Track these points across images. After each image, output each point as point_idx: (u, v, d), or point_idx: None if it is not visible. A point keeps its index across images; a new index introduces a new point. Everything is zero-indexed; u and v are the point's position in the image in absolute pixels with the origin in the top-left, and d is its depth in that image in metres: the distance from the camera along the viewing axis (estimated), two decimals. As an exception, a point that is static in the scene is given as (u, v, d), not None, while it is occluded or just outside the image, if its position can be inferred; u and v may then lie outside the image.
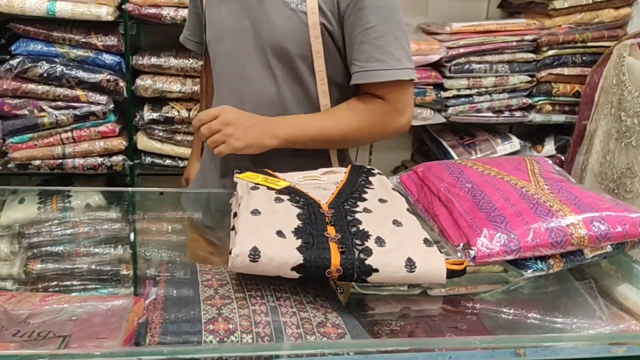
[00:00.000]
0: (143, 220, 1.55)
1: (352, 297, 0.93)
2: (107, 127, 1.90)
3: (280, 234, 0.83)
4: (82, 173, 1.89)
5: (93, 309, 0.88)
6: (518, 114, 2.22)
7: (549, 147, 2.32)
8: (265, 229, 0.84)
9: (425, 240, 0.86)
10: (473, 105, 2.13)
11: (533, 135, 2.39)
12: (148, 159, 2.00)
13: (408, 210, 0.97)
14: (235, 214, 0.93)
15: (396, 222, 0.91)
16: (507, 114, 2.20)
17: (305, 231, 0.85)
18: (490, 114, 2.18)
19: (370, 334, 0.86)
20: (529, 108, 2.24)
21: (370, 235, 0.86)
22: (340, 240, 0.84)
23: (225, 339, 0.71)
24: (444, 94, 2.12)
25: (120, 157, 1.91)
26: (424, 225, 0.96)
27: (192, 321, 0.73)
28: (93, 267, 1.78)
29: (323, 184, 1.07)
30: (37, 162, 1.83)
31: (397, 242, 0.85)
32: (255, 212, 0.88)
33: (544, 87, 2.21)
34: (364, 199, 0.99)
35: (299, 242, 0.82)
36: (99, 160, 1.90)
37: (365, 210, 0.95)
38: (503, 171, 1.09)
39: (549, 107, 2.24)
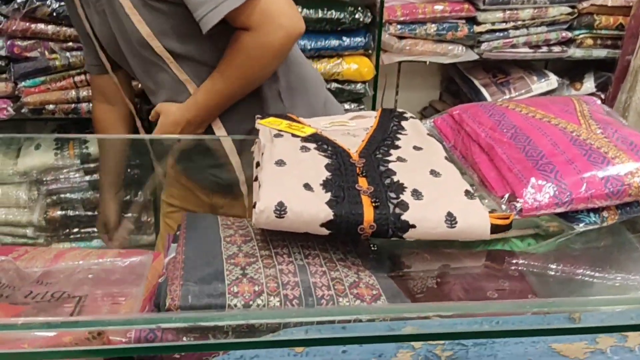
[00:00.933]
0: (163, 166, 1.51)
1: (385, 252, 0.87)
2: (122, 69, 1.83)
3: (307, 187, 0.77)
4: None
5: (110, 265, 0.84)
6: (557, 49, 2.08)
7: (589, 84, 2.19)
8: (291, 181, 0.77)
9: (467, 192, 0.79)
10: (508, 40, 2.00)
11: (570, 71, 2.26)
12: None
13: (446, 158, 0.89)
14: (258, 164, 0.87)
15: (434, 172, 0.84)
16: (544, 49, 2.07)
17: (334, 183, 0.78)
18: (527, 50, 2.05)
19: (405, 293, 0.81)
20: (568, 42, 2.10)
21: (406, 187, 0.79)
22: (373, 193, 0.77)
23: (251, 302, 0.66)
24: (477, 29, 1.99)
25: (136, 99, 1.84)
26: (463, 174, 0.89)
27: (215, 282, 0.68)
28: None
29: (352, 130, 1.00)
30: (51, 107, 1.78)
31: (436, 194, 0.79)
32: (280, 163, 0.81)
33: (585, 20, 2.07)
34: (397, 147, 0.92)
35: (328, 195, 0.76)
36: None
37: (399, 159, 0.87)
38: (550, 113, 1.00)
39: (590, 41, 2.10)
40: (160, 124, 1.20)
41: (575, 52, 2.11)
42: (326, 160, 0.84)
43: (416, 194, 0.78)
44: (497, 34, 1.99)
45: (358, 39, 1.96)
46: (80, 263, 0.83)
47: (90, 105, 1.83)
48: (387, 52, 2.07)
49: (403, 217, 0.74)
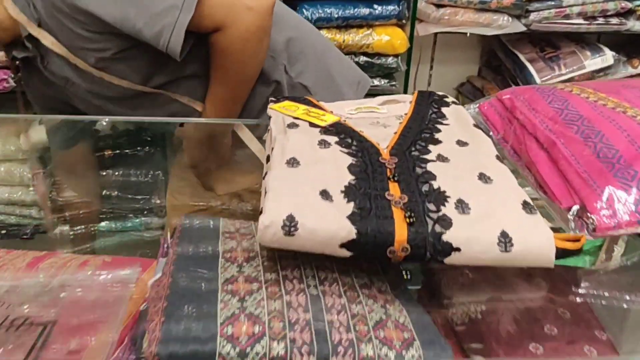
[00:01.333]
0: (174, 146, 1.39)
1: (418, 273, 0.73)
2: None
3: (325, 194, 0.62)
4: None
5: (89, 281, 0.71)
6: (614, 20, 1.87)
7: (648, 61, 1.98)
8: (305, 187, 0.63)
9: (525, 204, 0.64)
10: (560, 10, 1.80)
11: (626, 47, 2.04)
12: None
13: (497, 157, 0.74)
14: (268, 159, 0.72)
15: (483, 177, 0.68)
16: (600, 20, 1.86)
17: (359, 190, 0.64)
18: (581, 21, 1.85)
19: (443, 327, 0.67)
20: (627, 14, 1.89)
21: (449, 196, 0.64)
22: (407, 204, 0.62)
23: (248, 349, 0.52)
24: (525, -4, 1.79)
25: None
26: (516, 176, 0.73)
27: (205, 320, 0.55)
28: (123, 195, 1.64)
29: (382, 118, 0.84)
30: (55, 80, 1.66)
31: (486, 206, 0.63)
32: (293, 162, 0.67)
33: (648, -13, 1.85)
34: (438, 141, 0.76)
35: (350, 206, 0.61)
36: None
37: (440, 157, 0.72)
38: (624, 101, 0.83)
39: (653, 12, 1.88)
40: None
41: (635, 25, 1.90)
42: (349, 160, 0.69)
43: (461, 206, 0.63)
44: (548, 2, 1.79)
45: (391, 7, 1.78)
46: (54, 280, 0.70)
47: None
48: (423, 22, 1.88)
49: (445, 238, 0.59)
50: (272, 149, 0.73)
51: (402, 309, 0.61)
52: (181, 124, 1.20)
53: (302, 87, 1.12)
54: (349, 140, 0.73)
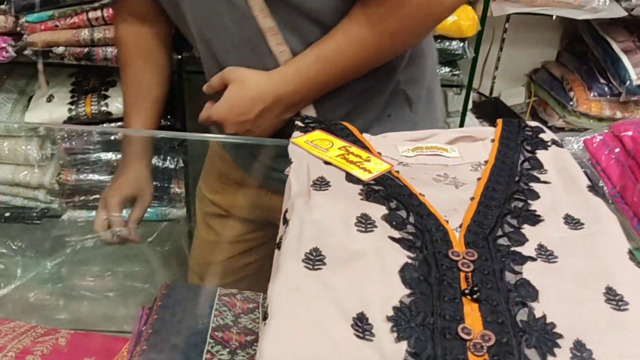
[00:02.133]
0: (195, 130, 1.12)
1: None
2: (149, 6, 1.46)
3: (360, 324, 0.39)
4: (116, 66, 1.49)
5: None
6: None
7: None
8: (329, 310, 0.40)
9: None
10: (673, -8, 1.48)
11: None
12: (202, 51, 1.54)
13: (631, 255, 0.48)
14: (285, 220, 0.48)
15: (613, 297, 0.43)
16: None
17: (416, 318, 0.40)
18: (698, 8, 1.53)
19: None
20: None
21: (561, 335, 0.40)
22: (495, 351, 0.39)
23: None
24: (628, -26, 1.48)
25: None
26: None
27: None
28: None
29: (452, 167, 0.59)
30: (60, 50, 1.45)
31: (620, 355, 0.39)
32: (314, 260, 0.43)
33: None
34: (536, 218, 0.51)
35: (401, 350, 0.38)
36: (138, 50, 1.48)
37: (543, 252, 0.47)
38: None
39: None
40: (230, 97, 0.77)
41: None
42: (403, 256, 0.45)
43: (581, 356, 0.39)
44: (659, -18, 1.48)
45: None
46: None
47: (109, 50, 1.49)
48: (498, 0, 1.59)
49: None
50: (285, 215, 0.49)
51: None
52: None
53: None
54: (404, 215, 0.49)
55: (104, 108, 1.56)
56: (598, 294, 0.43)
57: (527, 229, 0.50)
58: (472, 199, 0.53)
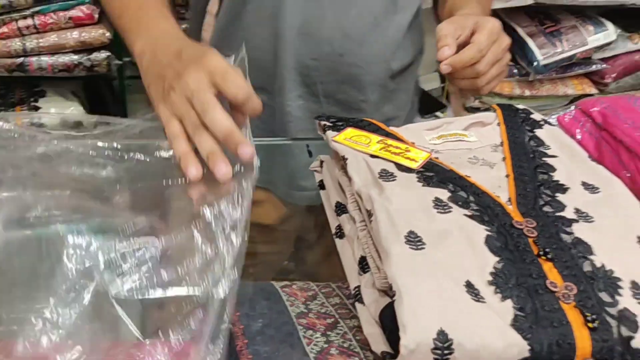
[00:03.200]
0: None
1: None
2: (82, 11, 1.43)
3: (471, 289, 0.47)
4: (52, 76, 1.45)
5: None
6: (622, -8, 1.78)
7: (649, 36, 1.91)
8: (446, 281, 0.47)
9: None
10: (570, -19, 1.68)
11: (625, 20, 1.95)
12: (141, 55, 1.52)
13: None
14: (359, 260, 0.54)
15: None
16: (608, -8, 1.76)
17: (510, 279, 0.49)
18: (588, -6, 1.74)
19: None
20: (634, -15, 1.79)
21: (619, 278, 0.50)
22: (579, 298, 0.48)
23: None
24: (531, -35, 1.65)
25: (103, 54, 1.46)
26: None
27: None
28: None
29: (476, 150, 0.68)
30: (-11, 62, 1.38)
31: None
32: (415, 241, 0.50)
33: (656, -45, 1.76)
34: (561, 186, 0.61)
35: (509, 308, 0.46)
36: (74, 57, 1.45)
37: (581, 215, 0.57)
38: None
39: (660, -16, 1.80)
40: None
41: (642, -2, 1.81)
42: (483, 230, 0.53)
43: (637, 290, 0.49)
44: (558, -27, 1.67)
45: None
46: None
47: (43, 59, 1.44)
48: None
49: (635, 344, 0.46)
50: (370, 214, 0.54)
51: None
52: None
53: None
54: (464, 195, 0.57)
55: (36, 120, 1.50)
56: (633, 242, 0.54)
57: (560, 197, 0.59)
58: (507, 176, 0.62)
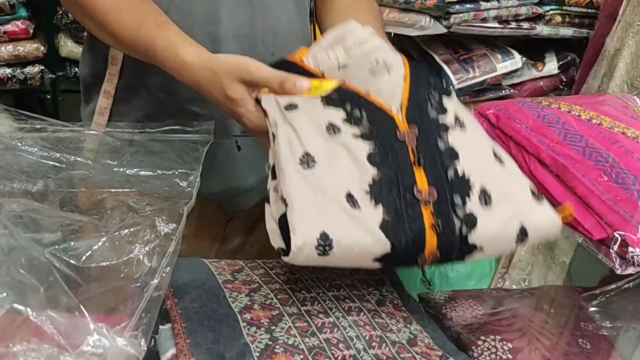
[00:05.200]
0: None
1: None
2: (17, 26, 1.53)
3: (351, 200, 0.59)
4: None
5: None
6: (525, 25, 2.01)
7: (552, 65, 2.14)
8: (330, 194, 0.59)
9: (533, 193, 0.66)
10: (479, 12, 1.89)
11: (530, 50, 2.19)
12: (75, 70, 1.61)
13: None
14: (271, 168, 0.65)
15: (497, 156, 0.68)
16: (513, 25, 1.98)
17: (385, 188, 0.60)
18: (496, 25, 1.95)
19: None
20: (537, 19, 2.03)
21: (473, 184, 0.63)
22: (436, 205, 0.61)
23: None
24: (448, -3, 1.85)
25: (37, 68, 1.55)
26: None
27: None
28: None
29: (378, 52, 0.73)
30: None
31: (502, 195, 0.63)
32: (307, 161, 0.62)
33: (557, -7, 2.00)
34: (448, 90, 0.73)
35: (380, 213, 0.59)
36: (8, 71, 1.53)
37: (458, 122, 0.69)
38: (619, 121, 0.85)
39: (558, 18, 2.04)
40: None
41: (543, 30, 2.04)
42: (366, 147, 0.64)
43: (484, 197, 0.63)
44: (468, 5, 1.87)
45: None
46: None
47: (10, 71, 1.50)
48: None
49: (471, 240, 0.60)
50: (276, 141, 0.65)
51: (421, 329, 0.62)
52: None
53: None
54: (358, 114, 0.67)
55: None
56: (490, 154, 0.67)
57: (445, 101, 0.70)
58: (404, 79, 0.71)
